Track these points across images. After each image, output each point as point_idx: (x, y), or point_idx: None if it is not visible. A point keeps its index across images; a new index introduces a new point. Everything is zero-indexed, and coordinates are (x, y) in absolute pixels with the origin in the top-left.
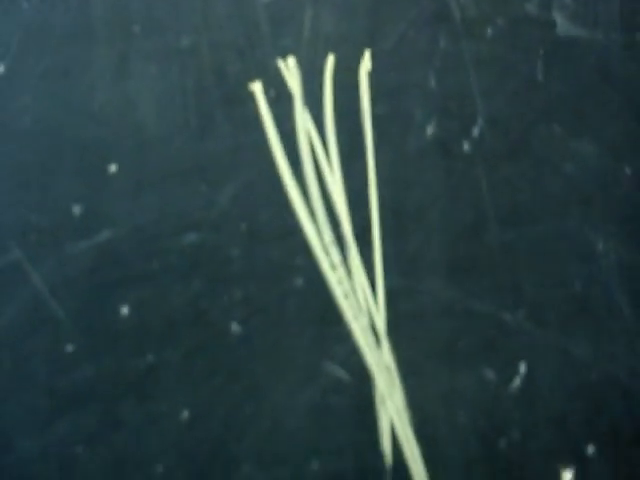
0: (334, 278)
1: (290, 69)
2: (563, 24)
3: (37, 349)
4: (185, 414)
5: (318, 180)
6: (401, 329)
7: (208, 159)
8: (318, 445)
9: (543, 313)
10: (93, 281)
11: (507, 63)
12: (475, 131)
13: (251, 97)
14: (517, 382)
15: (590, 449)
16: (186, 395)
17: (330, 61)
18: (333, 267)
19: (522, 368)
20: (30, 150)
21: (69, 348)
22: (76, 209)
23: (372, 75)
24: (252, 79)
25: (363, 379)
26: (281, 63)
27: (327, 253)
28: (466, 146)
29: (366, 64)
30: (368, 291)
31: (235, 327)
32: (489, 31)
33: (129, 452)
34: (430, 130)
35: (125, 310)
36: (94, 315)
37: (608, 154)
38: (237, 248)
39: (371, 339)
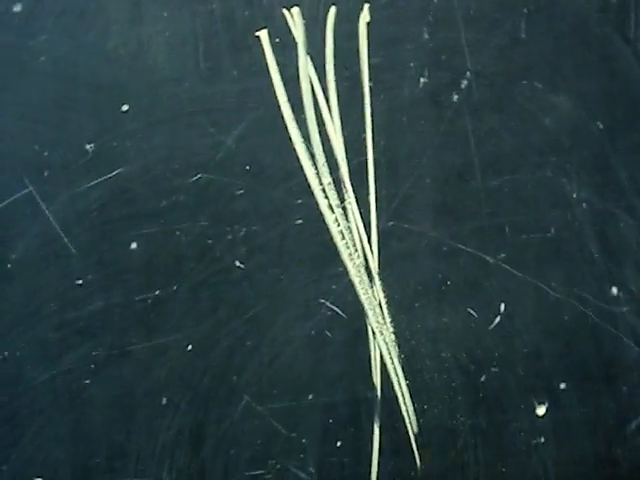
0: (331, 219)
1: (295, 19)
2: None
3: (48, 283)
4: (190, 347)
5: (318, 125)
6: (392, 268)
7: (216, 102)
8: (313, 377)
9: (521, 256)
10: (103, 217)
11: (494, 21)
12: (464, 83)
13: (257, 44)
14: (497, 320)
15: (562, 385)
16: (191, 328)
17: (332, 12)
18: (331, 208)
19: (502, 307)
20: (45, 89)
21: (79, 282)
22: (89, 147)
23: (370, 27)
24: (259, 27)
25: (356, 315)
26: (286, 13)
27: (325, 195)
28: (455, 97)
29: (365, 16)
30: (362, 231)
31: (238, 264)
32: None
33: (136, 383)
34: (423, 81)
35: (134, 246)
36: (104, 250)
37: (583, 109)
38: (241, 188)
39: (365, 277)
